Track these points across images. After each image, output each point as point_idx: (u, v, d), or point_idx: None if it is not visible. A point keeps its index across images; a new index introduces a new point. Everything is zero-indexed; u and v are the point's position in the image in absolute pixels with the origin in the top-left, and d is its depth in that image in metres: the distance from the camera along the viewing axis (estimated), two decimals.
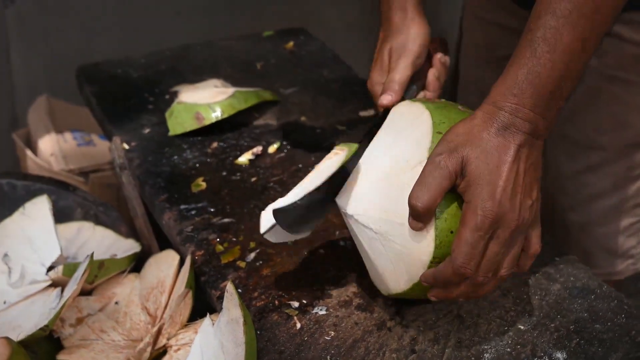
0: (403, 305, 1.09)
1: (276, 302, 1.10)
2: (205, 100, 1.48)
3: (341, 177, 1.05)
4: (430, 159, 0.96)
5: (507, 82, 0.96)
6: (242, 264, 1.17)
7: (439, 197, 0.94)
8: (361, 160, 1.07)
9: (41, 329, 1.09)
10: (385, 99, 1.16)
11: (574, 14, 0.94)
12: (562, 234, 1.48)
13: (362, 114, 1.52)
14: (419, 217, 0.95)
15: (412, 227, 0.96)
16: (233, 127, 1.49)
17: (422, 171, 0.95)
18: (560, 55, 0.94)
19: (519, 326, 1.06)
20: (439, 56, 1.26)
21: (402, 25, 1.23)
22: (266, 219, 1.05)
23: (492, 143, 0.94)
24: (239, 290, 1.12)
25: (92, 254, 1.16)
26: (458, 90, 1.73)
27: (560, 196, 1.53)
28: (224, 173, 1.38)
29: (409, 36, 1.22)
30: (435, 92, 1.24)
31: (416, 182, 0.95)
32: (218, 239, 1.22)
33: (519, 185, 0.94)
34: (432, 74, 1.25)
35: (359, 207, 1.03)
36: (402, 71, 1.19)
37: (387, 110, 1.15)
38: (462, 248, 0.92)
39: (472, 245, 0.92)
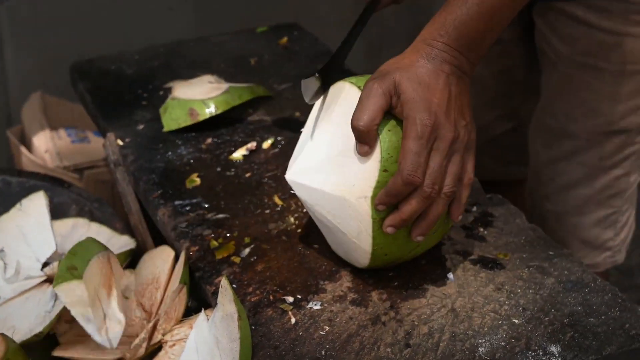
0: (397, 300, 1.09)
1: (271, 297, 1.10)
2: (199, 96, 1.48)
3: None
4: (364, 86, 1.04)
5: (436, 24, 1.05)
6: (237, 260, 1.17)
7: (378, 116, 1.02)
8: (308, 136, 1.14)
9: (36, 334, 1.09)
10: None
11: None
12: (540, 224, 1.51)
13: None
14: (362, 138, 1.02)
15: (360, 152, 1.03)
16: (227, 123, 1.49)
17: (359, 98, 1.03)
18: (487, 9, 1.03)
19: (513, 320, 1.06)
20: None
21: None
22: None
23: (423, 68, 1.03)
24: (234, 285, 1.12)
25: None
26: None
27: (537, 185, 1.55)
28: (219, 169, 1.38)
29: None
30: None
31: (355, 108, 1.03)
32: (212, 235, 1.22)
33: (452, 104, 1.03)
34: None
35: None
36: None
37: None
38: (407, 157, 1.00)
39: (417, 153, 1.00)
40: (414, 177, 1.00)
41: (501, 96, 1.69)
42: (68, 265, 1.09)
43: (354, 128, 1.02)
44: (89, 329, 1.05)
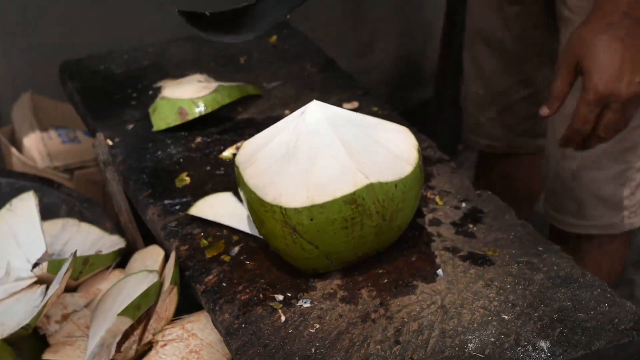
0: (387, 297, 1.09)
1: (260, 296, 1.10)
2: (189, 96, 1.48)
3: None
4: (558, 61, 1.29)
5: None
6: (227, 258, 1.17)
7: (567, 87, 1.27)
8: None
9: (23, 327, 1.09)
10: None
11: None
12: (557, 186, 1.53)
13: (346, 106, 1.53)
14: (554, 99, 1.28)
15: (549, 108, 1.30)
16: (217, 121, 1.49)
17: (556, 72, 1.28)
18: None
19: (503, 316, 1.06)
20: None
21: None
22: None
23: (602, 40, 1.21)
24: (224, 284, 1.13)
25: (76, 251, 1.16)
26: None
27: (554, 147, 1.56)
28: (208, 168, 1.38)
29: None
30: None
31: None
32: (202, 234, 1.22)
33: (626, 66, 1.20)
34: None
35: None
36: None
37: None
38: (579, 115, 1.25)
39: (582, 121, 1.26)
40: (583, 129, 1.27)
41: (518, 61, 1.75)
42: None
43: (551, 90, 1.28)
44: None
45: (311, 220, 1.04)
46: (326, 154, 1.08)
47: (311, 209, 1.04)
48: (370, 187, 1.05)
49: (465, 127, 1.95)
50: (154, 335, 1.15)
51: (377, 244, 1.12)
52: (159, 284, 1.17)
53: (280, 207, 1.04)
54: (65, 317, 1.20)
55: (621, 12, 1.19)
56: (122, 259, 1.31)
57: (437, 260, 1.16)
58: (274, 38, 1.83)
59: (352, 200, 1.04)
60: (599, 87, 1.21)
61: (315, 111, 1.12)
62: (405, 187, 1.08)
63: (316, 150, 1.08)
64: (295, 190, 1.05)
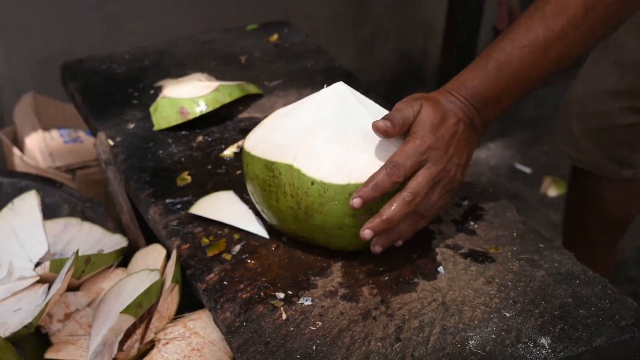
0: (388, 294, 1.10)
1: (262, 294, 1.10)
2: (190, 95, 1.48)
3: None
4: (399, 103, 1.16)
5: (459, 79, 1.17)
6: (228, 257, 1.17)
7: (405, 124, 1.13)
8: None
9: (26, 326, 1.09)
10: None
11: (526, 48, 1.13)
12: (570, 144, 1.65)
13: None
14: (389, 129, 1.12)
15: (379, 128, 1.12)
16: (218, 120, 1.49)
17: (394, 108, 1.15)
18: (504, 75, 1.14)
19: (504, 313, 1.06)
20: None
21: None
22: None
23: (443, 104, 1.15)
24: (225, 282, 1.13)
25: (78, 250, 1.16)
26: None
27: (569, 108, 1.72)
28: (209, 166, 1.38)
29: None
30: None
31: (389, 113, 1.14)
32: (203, 232, 1.22)
33: (454, 141, 1.14)
34: None
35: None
36: None
37: None
38: (397, 156, 1.10)
39: (407, 156, 1.09)
40: (396, 172, 1.08)
41: (629, 90, 1.72)
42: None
43: (390, 117, 1.13)
44: None
45: (247, 165, 1.18)
46: (322, 127, 1.14)
47: (248, 156, 1.17)
48: (289, 168, 1.12)
49: (558, 132, 1.91)
50: (156, 333, 1.16)
51: (302, 230, 1.15)
52: (161, 283, 1.18)
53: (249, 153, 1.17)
54: (67, 316, 1.20)
55: (469, 103, 1.16)
56: (124, 258, 1.32)
57: (438, 258, 1.16)
58: (274, 37, 1.83)
59: (270, 167, 1.13)
60: (425, 138, 1.12)
61: (344, 88, 1.19)
62: (325, 192, 1.10)
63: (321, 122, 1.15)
64: (259, 141, 1.17)
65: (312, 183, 1.10)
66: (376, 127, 1.12)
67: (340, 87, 1.18)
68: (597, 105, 1.76)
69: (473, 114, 1.16)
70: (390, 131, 1.11)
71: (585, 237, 1.97)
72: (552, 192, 2.91)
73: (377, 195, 1.08)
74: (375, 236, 1.10)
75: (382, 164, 1.11)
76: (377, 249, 1.13)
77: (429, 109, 1.13)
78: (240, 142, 1.42)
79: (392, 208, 1.09)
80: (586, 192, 1.92)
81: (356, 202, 1.08)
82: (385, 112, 1.18)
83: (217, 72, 1.65)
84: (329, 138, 1.13)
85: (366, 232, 1.09)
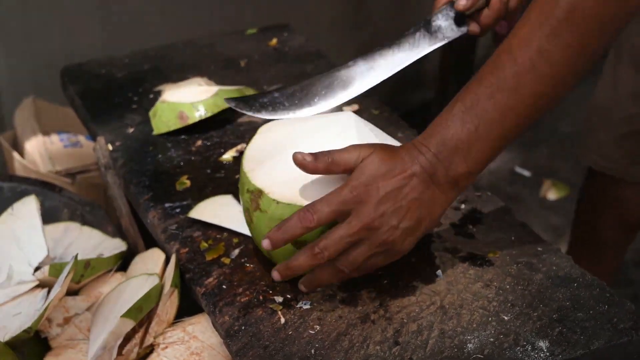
0: (387, 298, 1.10)
1: (260, 298, 1.11)
2: (189, 99, 1.49)
3: None
4: (352, 145, 1.06)
5: (428, 130, 1.06)
6: (227, 261, 1.18)
7: (337, 166, 1.04)
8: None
9: (25, 330, 1.10)
10: (462, 3, 1.22)
11: (494, 86, 1.01)
12: (598, 153, 1.74)
13: (346, 108, 1.53)
14: (307, 164, 1.05)
15: (295, 160, 1.05)
16: (217, 124, 1.50)
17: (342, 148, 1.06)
18: (472, 119, 1.02)
19: (502, 316, 1.07)
20: None
21: None
22: None
23: (397, 156, 1.04)
24: (224, 286, 1.13)
25: (77, 255, 1.16)
26: None
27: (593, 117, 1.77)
28: (209, 171, 1.38)
29: None
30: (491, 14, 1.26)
31: (325, 152, 1.05)
32: (202, 236, 1.23)
33: (392, 198, 1.02)
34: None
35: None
36: None
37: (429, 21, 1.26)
38: (319, 201, 1.03)
39: (327, 204, 1.02)
40: (308, 217, 1.02)
41: None
42: None
43: (296, 160, 1.06)
44: None
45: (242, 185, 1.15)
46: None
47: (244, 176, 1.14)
48: (259, 191, 1.09)
49: (583, 142, 1.90)
50: (155, 338, 1.16)
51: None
52: (160, 287, 1.18)
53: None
54: (67, 321, 1.20)
55: (432, 153, 1.04)
56: (123, 262, 1.32)
57: (437, 261, 1.17)
58: (274, 41, 1.83)
59: (247, 189, 1.11)
60: (355, 188, 1.03)
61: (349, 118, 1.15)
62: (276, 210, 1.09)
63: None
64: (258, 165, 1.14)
65: (277, 202, 1.08)
66: (294, 158, 1.04)
67: (348, 117, 1.15)
68: (621, 111, 1.75)
69: (435, 167, 1.03)
70: (308, 166, 1.04)
71: (598, 241, 1.96)
72: (552, 195, 2.92)
73: (286, 239, 1.04)
74: (284, 279, 1.10)
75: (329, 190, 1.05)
76: (301, 287, 1.11)
77: (376, 157, 1.03)
78: (239, 147, 1.43)
79: (297, 256, 1.06)
80: (603, 196, 1.92)
81: (265, 243, 1.05)
82: (394, 142, 1.17)
83: (217, 76, 1.66)
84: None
85: (274, 274, 1.09)
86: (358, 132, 1.12)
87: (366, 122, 1.16)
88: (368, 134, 1.13)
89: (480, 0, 1.23)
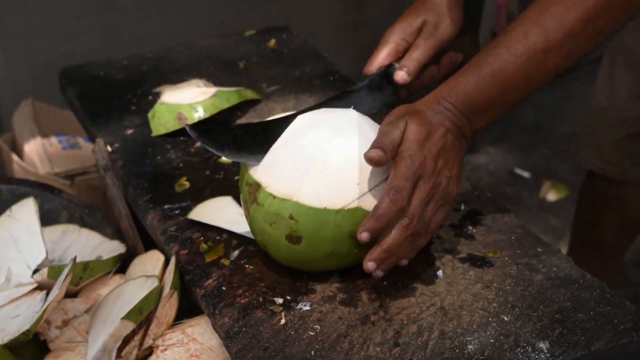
0: (387, 299, 1.10)
1: (260, 299, 1.10)
2: (188, 101, 1.49)
3: None
4: (384, 123, 1.12)
5: (450, 85, 1.14)
6: (226, 262, 1.17)
7: (395, 147, 1.08)
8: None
9: (24, 333, 1.09)
10: (401, 76, 1.26)
11: (524, 56, 1.10)
12: (598, 156, 1.75)
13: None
14: (382, 158, 1.07)
15: (372, 159, 1.07)
16: None
17: (378, 133, 1.11)
18: (498, 83, 1.11)
19: (502, 317, 1.06)
20: (452, 54, 1.33)
21: (443, 6, 1.28)
22: None
23: (428, 117, 1.11)
24: (223, 288, 1.13)
25: (75, 257, 1.16)
26: None
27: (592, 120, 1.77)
28: (208, 172, 1.38)
29: (446, 21, 1.28)
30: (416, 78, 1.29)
31: (377, 138, 1.10)
32: (202, 238, 1.22)
33: (442, 153, 1.10)
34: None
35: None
36: (425, 52, 1.27)
37: (372, 78, 1.28)
38: (395, 182, 1.06)
39: (405, 178, 1.06)
40: (400, 197, 1.05)
41: None
42: None
43: (379, 142, 1.08)
44: None
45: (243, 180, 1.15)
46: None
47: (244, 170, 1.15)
48: (257, 184, 1.11)
49: (583, 144, 1.90)
50: (154, 340, 1.16)
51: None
52: (159, 289, 1.17)
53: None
54: (65, 323, 1.20)
55: (459, 110, 1.12)
56: (122, 264, 1.32)
57: (437, 262, 1.16)
58: (272, 42, 1.83)
59: (246, 181, 1.12)
60: (414, 157, 1.08)
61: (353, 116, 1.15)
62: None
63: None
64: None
65: (274, 197, 1.09)
66: (369, 158, 1.07)
67: (349, 113, 1.15)
68: (620, 113, 1.75)
69: (463, 122, 1.13)
70: (384, 159, 1.07)
71: (598, 242, 1.96)
72: (551, 196, 2.91)
73: (383, 225, 1.06)
74: (380, 266, 1.10)
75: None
76: (378, 273, 1.11)
77: (413, 125, 1.09)
78: None
79: (392, 236, 1.07)
80: (604, 197, 1.92)
81: (364, 235, 1.06)
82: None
83: (215, 78, 1.65)
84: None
85: (370, 264, 1.08)
86: (359, 128, 1.12)
87: (367, 117, 1.16)
88: (368, 130, 1.13)
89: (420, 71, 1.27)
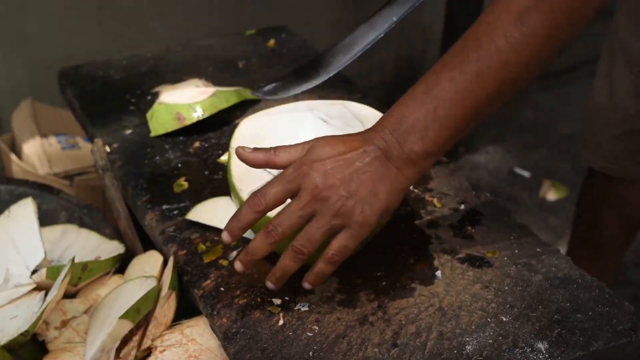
0: (385, 300, 1.09)
1: (258, 300, 1.10)
2: (186, 100, 1.48)
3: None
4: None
5: (388, 111, 1.06)
6: (225, 263, 1.17)
7: (279, 160, 1.07)
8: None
9: (22, 334, 1.09)
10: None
11: (457, 69, 1.00)
12: (599, 154, 1.73)
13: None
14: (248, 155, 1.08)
15: (237, 153, 1.09)
16: (215, 126, 1.49)
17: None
18: (432, 99, 1.02)
19: (501, 317, 1.06)
20: None
21: None
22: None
23: (351, 137, 1.06)
24: (222, 288, 1.13)
25: (74, 257, 1.16)
26: None
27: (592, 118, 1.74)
28: (206, 172, 1.38)
29: None
30: None
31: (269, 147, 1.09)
32: (200, 238, 1.22)
33: (340, 172, 1.03)
34: None
35: None
36: None
37: None
38: (265, 185, 1.05)
39: (271, 185, 1.04)
40: (257, 202, 1.04)
41: None
42: None
43: (237, 153, 1.09)
44: None
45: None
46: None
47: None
48: (236, 189, 1.15)
49: (583, 143, 1.90)
50: (152, 340, 1.15)
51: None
52: (158, 289, 1.17)
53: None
54: (64, 324, 1.20)
55: (388, 131, 1.05)
56: (121, 265, 1.31)
57: (435, 263, 1.16)
58: (272, 42, 1.83)
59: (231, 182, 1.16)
60: (299, 166, 1.05)
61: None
62: None
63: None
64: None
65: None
66: (236, 152, 1.08)
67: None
68: (620, 111, 1.75)
69: (390, 144, 1.03)
70: (248, 157, 1.07)
71: (598, 241, 1.96)
72: (551, 196, 2.91)
73: (241, 227, 1.05)
74: (247, 269, 1.08)
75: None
76: (269, 284, 1.09)
77: (324, 142, 1.05)
78: None
79: (255, 238, 1.06)
80: (604, 195, 1.92)
81: (224, 236, 1.06)
82: None
83: (214, 78, 1.65)
84: None
85: (237, 265, 1.08)
86: (333, 128, 1.15)
87: (359, 115, 1.17)
88: (355, 126, 1.14)
89: None
